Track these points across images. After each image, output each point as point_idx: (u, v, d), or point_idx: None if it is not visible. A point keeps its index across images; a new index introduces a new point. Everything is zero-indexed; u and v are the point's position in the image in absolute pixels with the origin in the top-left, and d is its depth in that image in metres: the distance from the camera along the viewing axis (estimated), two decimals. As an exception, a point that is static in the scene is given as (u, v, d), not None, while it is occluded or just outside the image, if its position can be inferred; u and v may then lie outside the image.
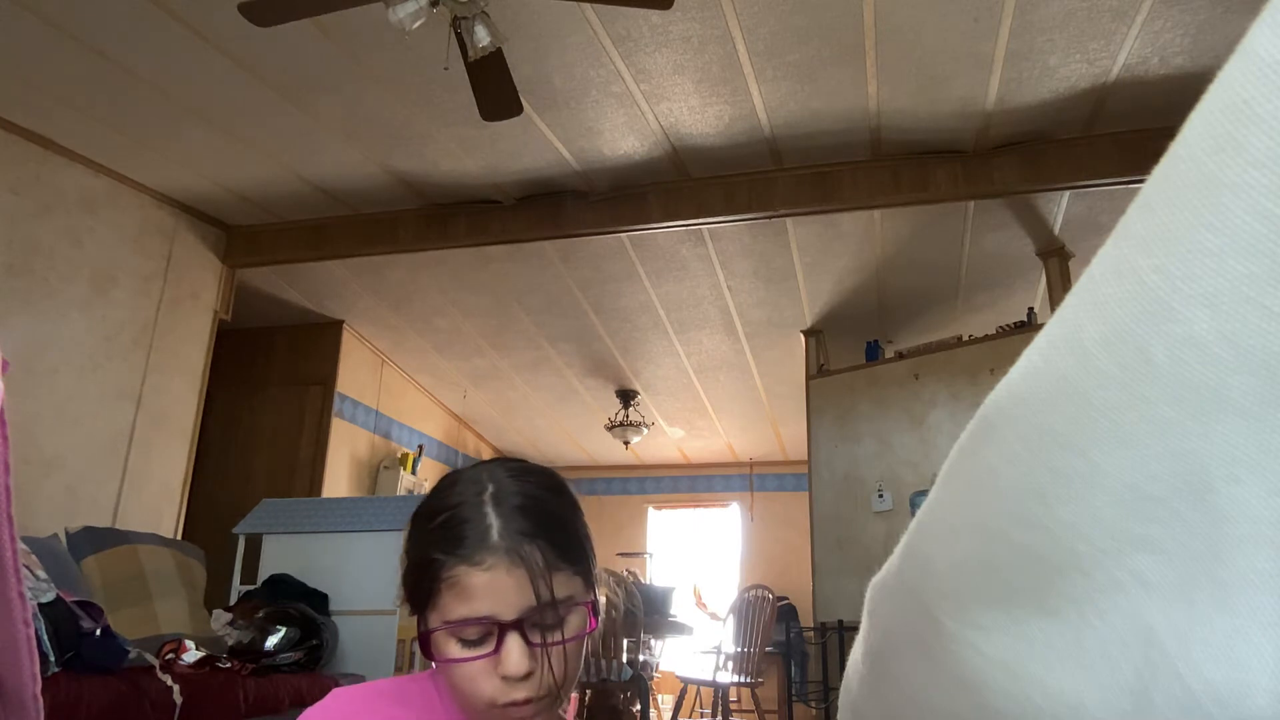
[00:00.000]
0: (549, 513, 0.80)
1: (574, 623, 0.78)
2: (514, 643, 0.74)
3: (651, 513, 9.07)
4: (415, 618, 0.81)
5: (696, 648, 5.72)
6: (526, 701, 0.75)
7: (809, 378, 5.45)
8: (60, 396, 3.91)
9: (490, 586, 0.74)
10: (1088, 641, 0.42)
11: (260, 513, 3.90)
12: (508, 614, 0.75)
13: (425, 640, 0.77)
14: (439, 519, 0.79)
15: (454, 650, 0.76)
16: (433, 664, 0.80)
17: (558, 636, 0.77)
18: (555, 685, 0.77)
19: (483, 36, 2.65)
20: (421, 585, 0.78)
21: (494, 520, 0.77)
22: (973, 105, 3.66)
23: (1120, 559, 0.39)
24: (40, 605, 2.09)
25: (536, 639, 0.76)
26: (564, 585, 0.77)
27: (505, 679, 0.74)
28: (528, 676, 0.75)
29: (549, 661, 0.76)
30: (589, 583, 0.81)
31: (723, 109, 3.72)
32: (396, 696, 0.84)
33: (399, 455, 6.67)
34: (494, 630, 0.75)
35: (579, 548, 0.81)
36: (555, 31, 3.22)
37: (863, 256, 4.86)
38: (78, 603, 2.22)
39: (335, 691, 0.82)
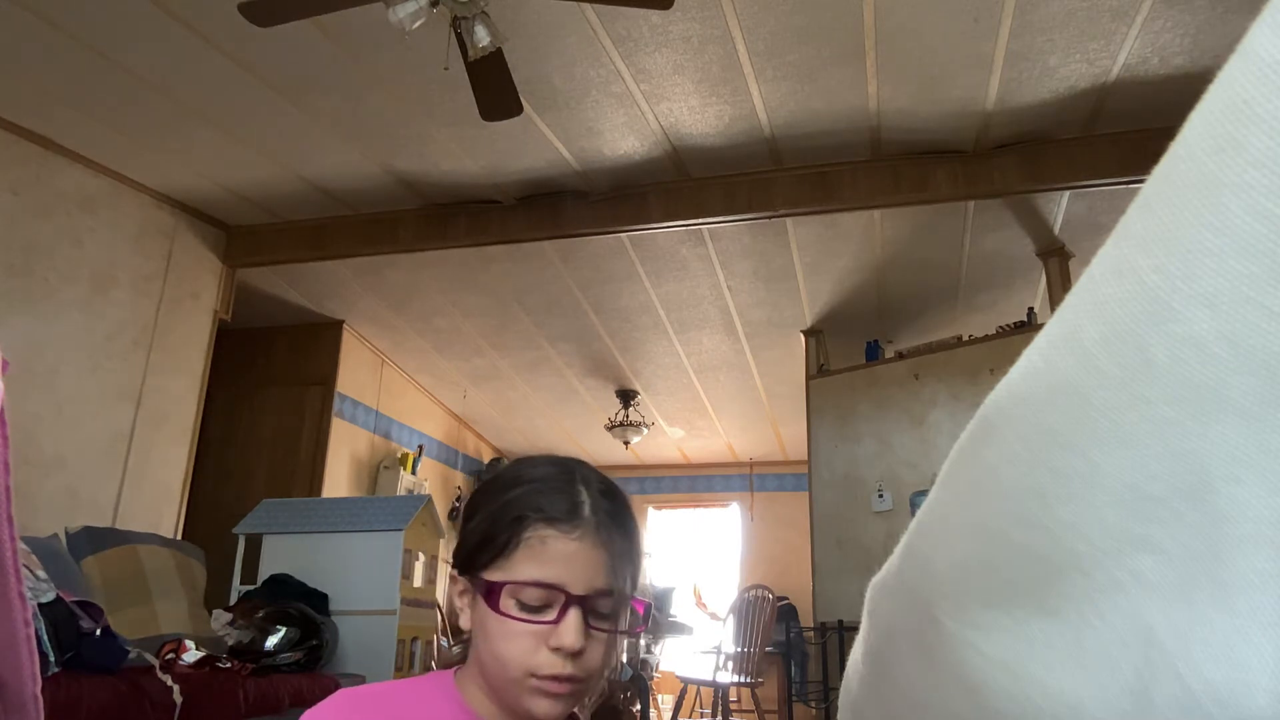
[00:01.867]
0: (627, 511, 0.83)
1: (625, 619, 0.80)
2: (576, 616, 0.75)
3: (651, 513, 9.07)
4: (463, 577, 0.81)
5: (696, 648, 5.72)
6: (569, 679, 0.75)
7: (809, 378, 5.45)
8: (60, 396, 3.91)
9: (573, 557, 0.76)
10: (1088, 641, 0.42)
11: (260, 513, 3.90)
12: (577, 588, 0.76)
13: (493, 592, 0.77)
14: (526, 485, 0.80)
15: (512, 610, 0.76)
16: (438, 661, 0.80)
17: (612, 626, 0.78)
18: (597, 670, 0.78)
19: (482, 36, 2.65)
20: (497, 540, 0.78)
21: (586, 498, 0.79)
22: (973, 105, 3.66)
23: (1120, 559, 0.39)
24: (40, 605, 2.09)
25: (596, 620, 0.77)
26: (629, 580, 0.80)
27: (556, 650, 0.75)
28: (577, 655, 0.75)
29: (601, 647, 0.77)
30: (635, 590, 0.83)
31: (723, 109, 3.72)
32: (398, 698, 0.84)
33: (399, 455, 6.66)
34: (557, 600, 0.76)
35: (639, 554, 0.83)
36: (555, 31, 3.22)
37: (863, 256, 4.86)
38: (78, 603, 2.22)
39: (340, 692, 0.82)
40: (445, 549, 4.38)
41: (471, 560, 0.80)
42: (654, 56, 3.37)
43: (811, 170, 4.17)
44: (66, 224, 4.00)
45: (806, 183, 4.18)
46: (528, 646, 0.75)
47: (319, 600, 3.48)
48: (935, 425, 4.70)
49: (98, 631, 2.20)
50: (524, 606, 0.76)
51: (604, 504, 0.80)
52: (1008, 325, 4.80)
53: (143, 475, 4.30)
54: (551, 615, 0.75)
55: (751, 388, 6.84)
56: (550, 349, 6.27)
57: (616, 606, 0.78)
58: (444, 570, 3.77)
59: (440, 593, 4.20)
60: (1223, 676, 0.36)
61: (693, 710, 6.45)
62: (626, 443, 7.33)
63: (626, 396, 7.10)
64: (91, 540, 3.07)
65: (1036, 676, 0.45)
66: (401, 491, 6.40)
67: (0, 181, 3.73)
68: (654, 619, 5.06)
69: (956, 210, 4.36)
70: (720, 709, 4.87)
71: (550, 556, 0.76)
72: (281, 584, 3.49)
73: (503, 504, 0.80)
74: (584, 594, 0.76)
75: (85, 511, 3.91)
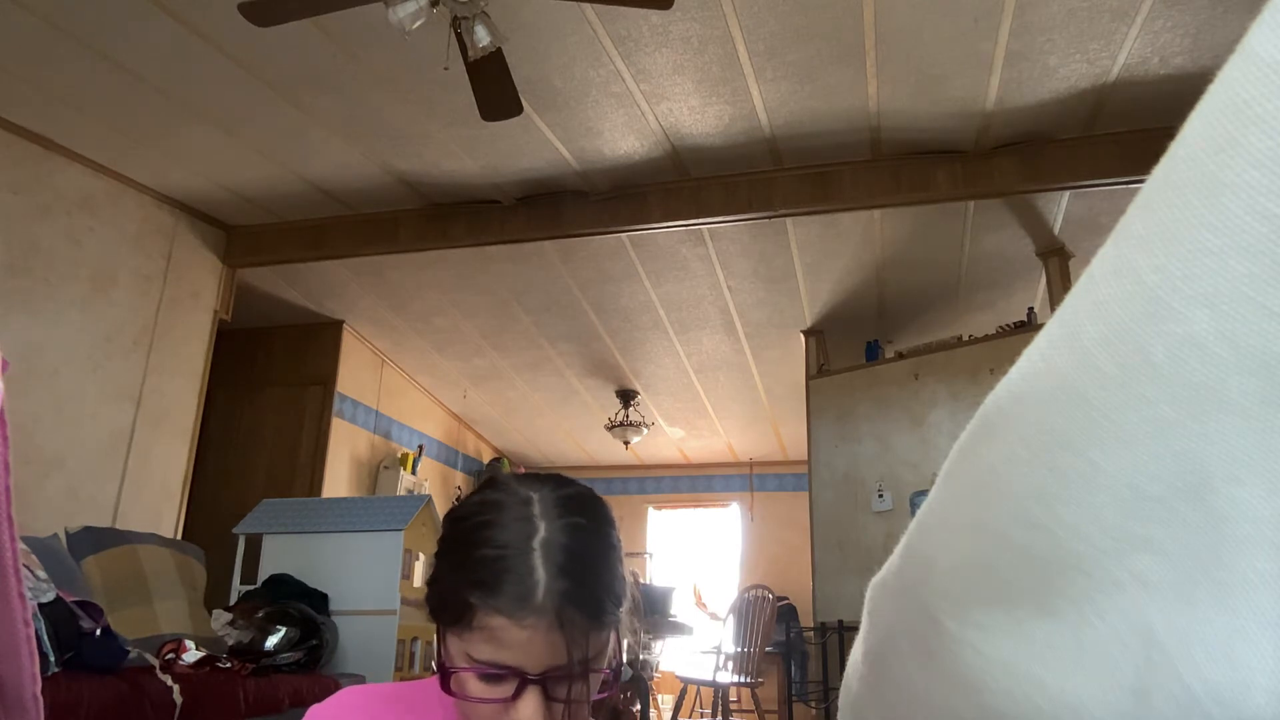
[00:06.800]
0: (595, 563, 0.77)
1: (593, 684, 0.78)
2: (532, 696, 0.74)
3: (651, 513, 9.07)
4: (435, 626, 0.80)
5: (696, 648, 5.72)
6: None
7: (809, 378, 5.45)
8: (60, 396, 3.91)
9: (527, 644, 0.73)
10: (1088, 641, 0.42)
11: (260, 513, 3.90)
12: (534, 668, 0.73)
13: (446, 674, 0.76)
14: (480, 552, 0.75)
15: (471, 684, 0.75)
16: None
17: (573, 697, 0.76)
18: None
19: (483, 36, 2.65)
20: (449, 615, 0.76)
21: (541, 576, 0.73)
22: (973, 105, 3.66)
23: (1120, 559, 0.39)
24: (40, 605, 2.09)
25: (555, 692, 0.75)
26: (595, 644, 0.77)
27: None
28: None
29: (564, 713, 0.75)
30: (615, 631, 0.80)
31: (723, 109, 3.72)
32: (401, 700, 0.84)
33: (399, 455, 6.66)
34: (514, 677, 0.74)
35: (615, 599, 0.78)
36: (555, 31, 3.22)
37: (863, 256, 4.86)
38: (78, 603, 2.22)
39: (345, 690, 0.82)
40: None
41: (435, 615, 0.79)
42: (654, 56, 3.37)
43: (811, 170, 4.17)
44: (66, 224, 4.00)
45: (806, 183, 4.18)
46: (488, 717, 0.75)
47: (319, 600, 3.48)
48: (935, 425, 4.70)
49: (98, 631, 2.20)
50: (484, 678, 0.74)
51: (562, 581, 0.73)
52: (1008, 325, 4.80)
53: (143, 475, 4.30)
54: (509, 690, 0.74)
55: (751, 388, 6.85)
56: (550, 349, 6.27)
57: (578, 679, 0.76)
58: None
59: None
60: (1223, 676, 0.36)
61: (693, 710, 6.45)
62: (626, 443, 7.33)
63: (626, 396, 7.10)
64: (91, 540, 3.07)
65: (1036, 676, 0.45)
66: (401, 491, 6.41)
67: (0, 181, 3.73)
68: (653, 619, 5.06)
69: (956, 210, 4.36)
70: (720, 709, 4.87)
71: (504, 643, 0.73)
72: (281, 584, 3.49)
73: (454, 574, 0.76)
74: (541, 672, 0.73)
75: (85, 511, 3.91)
